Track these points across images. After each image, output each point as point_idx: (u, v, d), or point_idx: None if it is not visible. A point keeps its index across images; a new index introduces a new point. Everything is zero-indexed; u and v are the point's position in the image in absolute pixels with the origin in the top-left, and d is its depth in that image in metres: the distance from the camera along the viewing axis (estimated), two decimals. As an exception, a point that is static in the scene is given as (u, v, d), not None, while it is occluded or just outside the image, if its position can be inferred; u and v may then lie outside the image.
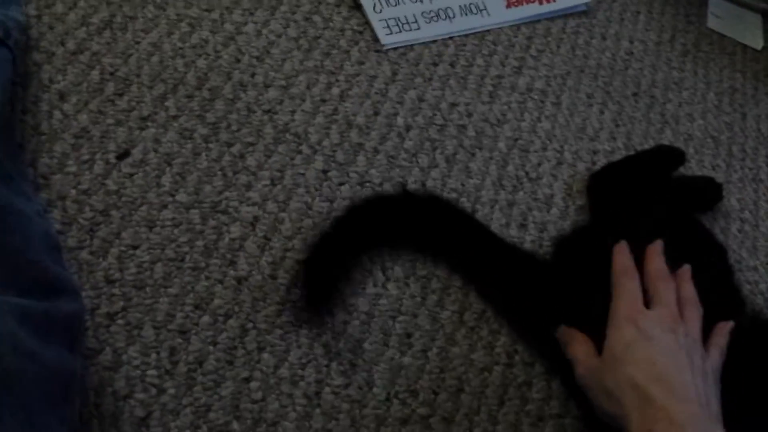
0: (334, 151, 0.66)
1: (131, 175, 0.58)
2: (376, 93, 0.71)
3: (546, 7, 0.84)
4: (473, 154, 0.70)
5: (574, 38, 0.84)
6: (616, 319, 0.56)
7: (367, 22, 0.75)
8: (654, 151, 0.76)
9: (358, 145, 0.67)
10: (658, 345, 0.53)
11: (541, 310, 0.59)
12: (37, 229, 0.48)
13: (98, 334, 0.51)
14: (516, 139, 0.73)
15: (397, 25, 0.76)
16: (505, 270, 0.62)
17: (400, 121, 0.70)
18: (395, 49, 0.75)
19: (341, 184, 0.64)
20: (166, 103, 0.63)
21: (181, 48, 0.66)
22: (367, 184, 0.65)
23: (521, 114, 0.75)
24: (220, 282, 0.56)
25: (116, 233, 0.55)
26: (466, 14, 0.80)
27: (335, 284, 0.57)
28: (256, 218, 0.59)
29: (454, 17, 0.79)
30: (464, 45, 0.78)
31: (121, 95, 0.62)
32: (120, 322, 0.52)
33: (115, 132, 0.60)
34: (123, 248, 0.55)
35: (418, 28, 0.77)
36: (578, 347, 0.56)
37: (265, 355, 0.54)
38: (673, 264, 0.61)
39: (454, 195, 0.67)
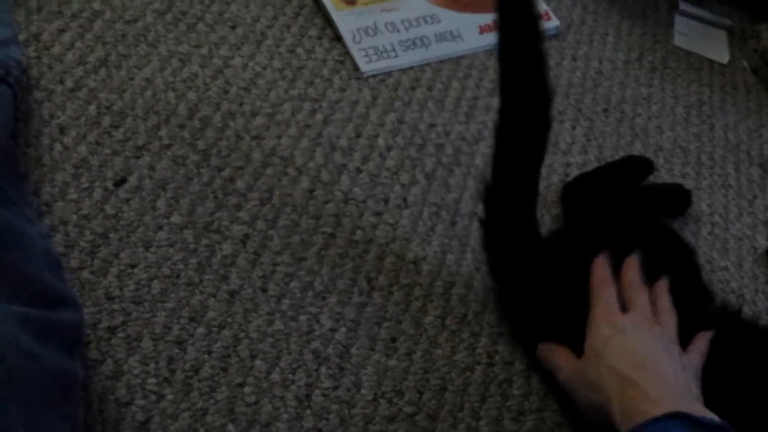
0: (319, 172, 0.70)
1: (128, 200, 0.62)
2: (358, 117, 0.75)
3: (517, 32, 0.89)
4: (452, 171, 0.74)
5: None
6: (596, 322, 0.58)
7: (348, 52, 0.80)
8: (623, 161, 0.80)
9: (341, 165, 0.71)
10: (636, 336, 0.56)
11: (519, 313, 0.62)
12: (38, 248, 0.52)
13: (100, 346, 0.54)
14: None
15: (376, 53, 0.81)
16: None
17: (381, 142, 0.74)
18: (375, 76, 0.79)
19: (326, 202, 0.68)
20: (160, 133, 0.67)
21: (172, 82, 0.71)
22: (351, 202, 0.69)
23: (496, 132, 0.79)
24: (214, 296, 0.59)
25: (115, 254, 0.59)
26: (442, 41, 0.85)
27: None
28: (246, 236, 0.63)
29: (430, 44, 0.84)
30: (440, 70, 0.83)
31: (117, 127, 0.66)
32: (120, 335, 0.55)
33: (112, 161, 0.64)
34: (122, 267, 0.58)
35: (396, 56, 0.82)
36: (559, 356, 0.59)
37: (258, 362, 0.57)
38: (645, 266, 0.65)
39: (434, 209, 0.71)
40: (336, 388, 0.57)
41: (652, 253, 0.67)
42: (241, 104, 0.72)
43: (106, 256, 0.59)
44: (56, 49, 0.69)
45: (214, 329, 0.57)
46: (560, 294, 0.63)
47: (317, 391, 0.57)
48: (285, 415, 0.55)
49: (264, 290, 0.61)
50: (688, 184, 0.81)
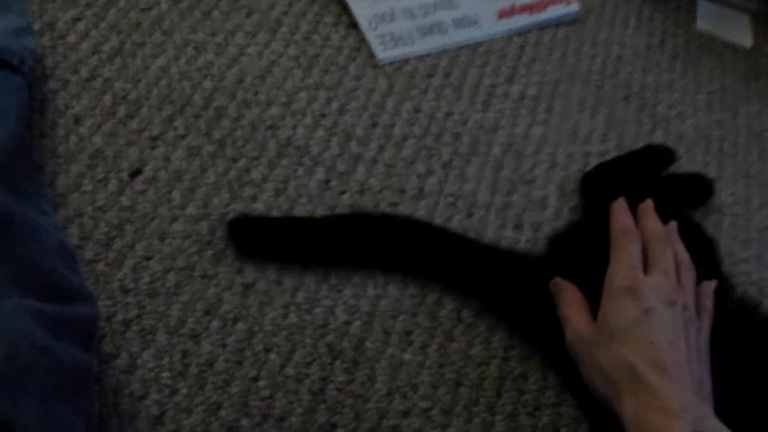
0: (335, 162, 0.69)
1: (143, 191, 0.62)
2: (374, 106, 0.74)
3: (536, 17, 0.87)
4: (469, 160, 0.73)
5: (565, 46, 0.87)
6: (614, 286, 0.55)
7: (364, 39, 0.79)
8: (644, 151, 0.78)
9: (357, 155, 0.70)
10: (657, 321, 0.53)
11: (534, 306, 0.62)
12: (53, 240, 0.52)
13: (115, 339, 0.54)
14: (510, 144, 0.76)
15: (393, 40, 0.80)
16: (492, 272, 0.64)
17: (397, 131, 0.73)
18: (391, 63, 0.78)
19: (342, 192, 0.67)
20: (175, 123, 0.67)
21: (187, 71, 0.70)
22: (367, 192, 0.68)
23: (514, 120, 0.78)
24: (229, 288, 0.59)
25: (130, 246, 0.59)
26: (459, 27, 0.83)
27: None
28: (261, 228, 0.63)
29: (447, 31, 0.83)
30: (458, 57, 0.82)
31: (132, 117, 0.66)
32: (135, 328, 0.55)
33: (127, 152, 0.64)
34: (137, 259, 0.58)
35: (413, 43, 0.80)
36: (571, 307, 0.56)
37: (272, 356, 0.57)
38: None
39: (450, 200, 0.70)
40: (350, 382, 0.57)
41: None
42: (256, 93, 0.71)
43: (121, 248, 0.59)
44: (71, 39, 0.69)
45: (229, 322, 0.57)
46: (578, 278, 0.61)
47: (331, 385, 0.57)
48: (299, 409, 0.55)
49: (279, 283, 0.60)
50: (710, 173, 0.80)
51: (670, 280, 0.55)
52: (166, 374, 0.54)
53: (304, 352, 0.58)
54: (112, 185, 0.62)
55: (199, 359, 0.55)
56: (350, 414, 0.56)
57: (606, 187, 0.74)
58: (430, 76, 0.79)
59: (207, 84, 0.70)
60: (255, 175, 0.66)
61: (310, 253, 0.62)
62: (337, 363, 0.58)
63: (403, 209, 0.68)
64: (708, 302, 0.57)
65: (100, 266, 0.57)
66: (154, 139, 0.65)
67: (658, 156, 0.78)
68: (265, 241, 0.62)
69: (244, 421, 0.53)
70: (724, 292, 0.67)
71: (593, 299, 0.57)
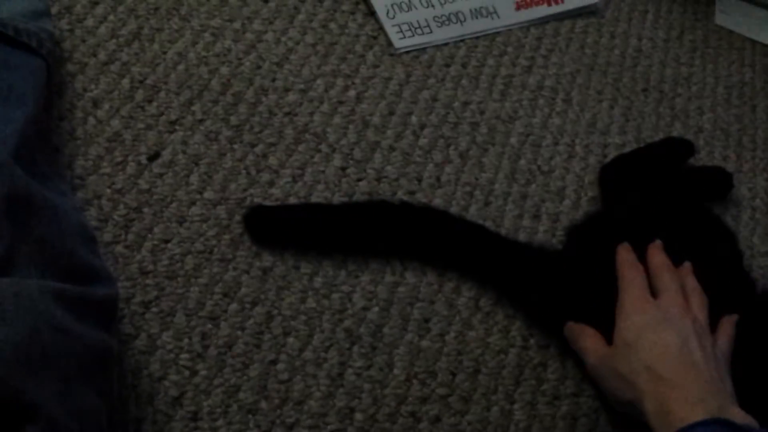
0: (352, 150, 0.69)
1: (161, 175, 0.62)
2: (391, 94, 0.74)
3: (555, 8, 0.87)
4: (486, 150, 0.73)
5: (583, 37, 0.87)
6: (625, 308, 0.57)
7: (381, 28, 0.79)
8: (663, 143, 0.78)
9: (374, 143, 0.70)
10: (669, 328, 0.55)
11: (553, 299, 0.61)
12: (72, 221, 0.52)
13: (134, 321, 0.54)
14: (528, 135, 0.75)
15: (410, 29, 0.79)
16: (511, 266, 0.64)
17: (414, 120, 0.73)
18: (408, 52, 0.78)
19: (359, 180, 0.67)
20: (193, 108, 0.66)
21: (205, 56, 0.70)
22: (384, 180, 0.68)
23: (532, 111, 0.78)
24: (247, 272, 0.59)
25: (149, 228, 0.59)
26: (477, 17, 0.83)
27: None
28: (279, 213, 0.63)
29: (465, 20, 0.82)
30: (475, 46, 0.81)
31: (150, 101, 0.66)
32: (154, 309, 0.55)
33: (145, 135, 0.64)
34: (155, 242, 0.58)
35: (431, 32, 0.80)
36: (587, 339, 0.58)
37: (291, 339, 0.56)
38: (684, 251, 0.63)
39: (467, 189, 0.69)
40: (368, 367, 0.57)
41: (693, 237, 0.66)
42: (273, 80, 0.71)
43: (139, 230, 0.58)
44: (89, 22, 0.69)
45: (247, 306, 0.57)
46: (595, 278, 0.62)
47: (350, 370, 0.56)
48: (317, 393, 0.55)
49: (297, 268, 0.60)
50: (729, 167, 0.79)
51: (678, 300, 0.57)
52: (185, 356, 0.54)
53: (322, 337, 0.57)
54: (131, 168, 0.61)
55: (218, 341, 0.55)
56: (369, 399, 0.55)
57: (624, 179, 0.73)
58: (447, 65, 0.79)
59: (224, 70, 0.70)
60: (272, 160, 0.66)
61: (326, 240, 0.62)
62: (355, 348, 0.57)
63: (420, 197, 0.67)
64: (728, 329, 0.58)
65: (119, 248, 0.57)
66: (172, 123, 0.65)
67: (677, 149, 0.77)
68: (282, 229, 0.62)
69: (263, 404, 0.53)
70: (745, 285, 0.66)
71: (608, 315, 0.58)
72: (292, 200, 0.64)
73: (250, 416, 0.53)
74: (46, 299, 0.45)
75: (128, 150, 0.62)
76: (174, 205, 0.60)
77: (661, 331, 0.55)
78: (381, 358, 0.57)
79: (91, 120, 0.63)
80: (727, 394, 0.52)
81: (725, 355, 0.56)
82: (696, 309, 0.57)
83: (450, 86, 0.77)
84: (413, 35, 0.79)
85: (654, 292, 0.58)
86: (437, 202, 0.68)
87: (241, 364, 0.54)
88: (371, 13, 0.80)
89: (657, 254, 0.61)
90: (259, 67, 0.71)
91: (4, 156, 0.50)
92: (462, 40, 0.81)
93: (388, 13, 0.79)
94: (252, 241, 0.60)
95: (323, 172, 0.66)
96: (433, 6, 0.82)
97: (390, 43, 0.78)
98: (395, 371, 0.57)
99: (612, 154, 0.76)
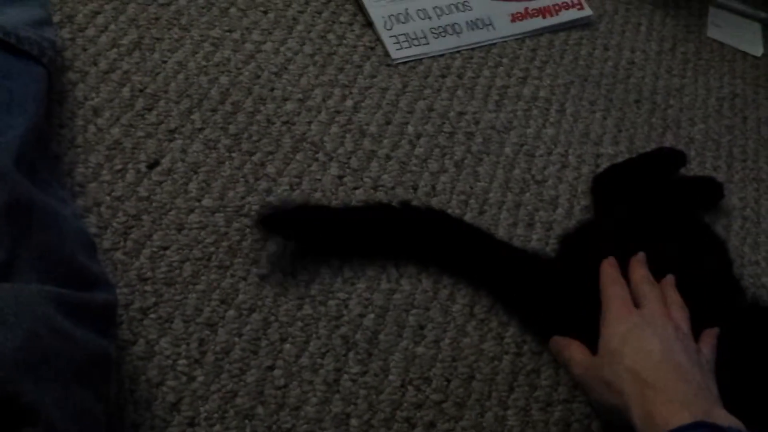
0: (349, 158, 0.70)
1: (161, 182, 0.63)
2: (388, 104, 0.75)
3: (549, 21, 0.88)
4: (481, 159, 0.74)
5: (577, 49, 0.88)
6: (608, 319, 0.58)
7: (379, 39, 0.80)
8: (655, 153, 0.79)
9: (371, 152, 0.71)
10: (652, 333, 0.55)
11: (543, 307, 0.62)
12: (72, 228, 0.52)
13: (132, 327, 0.55)
14: (522, 145, 0.77)
15: (407, 40, 0.81)
16: (505, 270, 0.65)
17: (410, 129, 0.74)
18: (405, 63, 0.79)
19: (356, 188, 0.68)
20: (192, 117, 0.67)
21: (205, 66, 0.71)
22: (380, 189, 0.69)
23: (527, 121, 0.79)
24: (244, 279, 0.60)
25: (148, 235, 0.59)
26: (473, 29, 0.84)
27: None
28: (276, 221, 0.63)
29: (461, 32, 0.83)
30: (471, 58, 0.82)
31: (150, 110, 0.67)
32: (152, 316, 0.56)
33: (145, 144, 0.64)
34: (154, 249, 0.59)
35: (427, 43, 0.81)
36: (572, 349, 0.59)
37: (287, 346, 0.57)
38: (675, 259, 0.64)
39: (462, 197, 0.70)
40: (364, 373, 0.58)
41: (683, 245, 0.67)
42: (272, 89, 0.72)
43: (138, 237, 0.59)
44: (90, 31, 0.70)
45: (245, 312, 0.58)
46: (582, 287, 0.62)
47: (345, 376, 0.57)
48: (314, 399, 0.55)
49: (293, 275, 0.61)
50: (720, 177, 0.81)
51: (659, 309, 0.58)
52: (182, 362, 0.54)
53: (318, 343, 0.58)
54: (130, 176, 0.62)
55: (216, 347, 0.55)
56: (364, 405, 0.56)
57: (617, 189, 0.74)
58: (443, 76, 0.80)
59: (224, 79, 0.71)
60: (270, 169, 0.67)
61: (330, 239, 0.63)
62: (351, 354, 0.58)
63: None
64: (711, 339, 0.59)
65: (118, 255, 0.58)
66: (172, 131, 0.66)
67: (669, 158, 0.78)
68: (291, 226, 0.62)
69: (260, 409, 0.54)
70: (735, 293, 0.67)
71: (592, 333, 0.59)
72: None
73: (247, 422, 0.53)
74: (46, 304, 0.45)
75: (128, 158, 0.63)
76: (173, 212, 0.61)
77: (645, 336, 0.55)
78: (376, 365, 0.58)
79: (92, 128, 0.64)
80: (712, 396, 0.53)
81: (708, 362, 0.56)
82: (677, 318, 0.58)
83: (446, 96, 0.78)
84: (410, 46, 0.80)
85: (636, 305, 0.59)
86: (433, 210, 0.69)
87: (238, 370, 0.55)
88: (369, 24, 0.81)
89: (638, 268, 0.62)
90: (257, 77, 0.72)
91: (5, 163, 0.51)
92: (458, 52, 0.82)
93: (385, 24, 0.81)
94: (260, 231, 0.61)
95: (320, 180, 0.67)
96: (429, 18, 0.83)
97: (387, 54, 0.79)
98: (390, 377, 0.58)
99: (605, 164, 0.77)
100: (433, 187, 0.70)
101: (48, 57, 0.62)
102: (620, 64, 0.89)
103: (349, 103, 0.74)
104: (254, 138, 0.68)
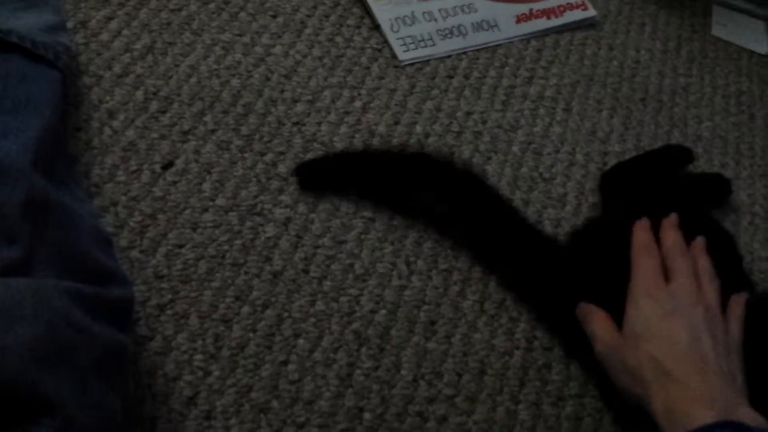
0: (359, 158, 0.71)
1: (175, 182, 0.64)
2: (396, 104, 0.76)
3: (554, 21, 0.89)
4: (489, 158, 0.75)
5: (582, 49, 0.89)
6: (635, 296, 0.56)
7: (386, 41, 0.81)
8: (663, 150, 0.79)
9: (380, 152, 0.72)
10: (680, 320, 0.54)
11: (560, 291, 0.63)
12: (88, 226, 0.53)
13: (149, 323, 0.56)
14: (529, 143, 0.77)
15: (414, 42, 0.82)
16: (526, 251, 0.65)
17: (418, 129, 0.75)
18: (412, 64, 0.80)
19: (366, 187, 0.69)
20: (205, 119, 0.69)
21: (216, 69, 0.72)
22: (390, 187, 0.69)
23: (533, 120, 0.80)
24: (258, 276, 0.60)
25: (163, 234, 0.60)
26: (478, 30, 0.85)
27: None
28: (288, 219, 0.64)
29: (467, 33, 0.84)
30: (477, 59, 0.83)
31: (163, 112, 0.68)
32: (169, 312, 0.57)
33: (159, 145, 0.66)
34: (170, 247, 0.60)
35: (434, 45, 0.82)
36: (597, 322, 0.58)
37: (301, 341, 0.58)
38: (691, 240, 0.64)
39: (472, 195, 0.71)
40: (377, 368, 0.58)
41: (693, 241, 0.67)
42: (282, 91, 0.73)
43: (154, 236, 0.60)
44: (104, 36, 0.71)
45: (259, 308, 0.59)
46: (601, 271, 0.62)
47: (358, 371, 0.58)
48: (327, 393, 0.56)
49: (306, 272, 0.62)
50: (728, 174, 0.81)
51: (690, 286, 0.57)
52: (199, 357, 0.55)
53: (331, 339, 0.59)
54: (145, 176, 0.63)
55: (231, 343, 0.56)
56: (377, 399, 0.57)
57: (625, 186, 0.75)
58: (450, 76, 0.81)
59: (235, 82, 0.72)
60: (282, 168, 0.68)
61: (365, 185, 0.66)
62: (364, 350, 0.59)
63: (426, 204, 0.69)
64: (738, 310, 0.58)
65: (135, 253, 0.59)
66: (185, 133, 0.67)
67: (677, 155, 0.79)
68: (328, 176, 0.67)
69: (274, 403, 0.55)
70: (745, 288, 0.67)
71: (616, 309, 0.58)
72: (301, 207, 0.66)
73: (261, 415, 0.54)
74: (63, 298, 0.46)
75: (143, 159, 0.64)
76: (187, 211, 0.62)
77: (671, 322, 0.54)
78: (389, 360, 0.59)
79: (107, 130, 0.65)
80: (737, 390, 0.52)
81: (736, 342, 0.55)
82: (708, 292, 0.57)
83: (453, 97, 0.79)
84: (417, 48, 0.81)
85: (666, 274, 0.58)
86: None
87: (253, 365, 0.56)
88: (376, 26, 0.82)
89: (671, 233, 0.60)
90: (268, 79, 0.73)
91: (22, 163, 0.52)
92: (464, 53, 0.83)
93: (392, 26, 0.82)
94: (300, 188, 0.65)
95: (331, 180, 0.68)
96: (435, 20, 0.84)
97: (394, 56, 0.80)
98: (402, 372, 0.59)
99: (612, 161, 0.78)
100: (443, 186, 0.71)
101: (63, 61, 0.63)
102: (625, 63, 0.89)
103: (357, 104, 0.75)
104: (266, 139, 0.69)
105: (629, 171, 0.76)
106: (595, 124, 0.81)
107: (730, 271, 0.68)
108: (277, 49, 0.76)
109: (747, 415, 0.49)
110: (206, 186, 0.64)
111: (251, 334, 0.57)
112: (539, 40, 0.88)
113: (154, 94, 0.68)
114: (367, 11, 0.83)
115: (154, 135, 0.66)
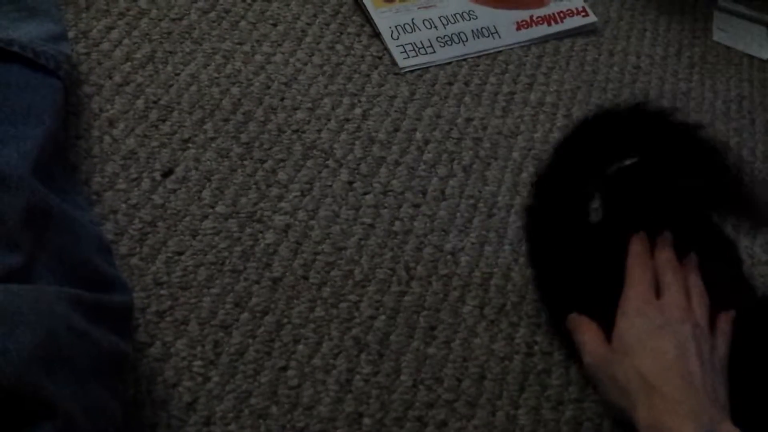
0: (358, 164, 0.71)
1: (175, 190, 0.64)
2: (396, 111, 0.76)
3: (554, 28, 0.89)
4: (489, 164, 0.75)
5: (583, 55, 0.89)
6: (626, 309, 0.58)
7: (386, 48, 0.81)
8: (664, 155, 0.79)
9: (380, 158, 0.72)
10: (668, 335, 0.55)
11: (558, 295, 0.63)
12: (89, 233, 0.54)
13: (149, 329, 0.56)
14: (529, 149, 0.77)
15: (414, 49, 0.82)
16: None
17: (418, 135, 0.75)
18: (412, 71, 0.80)
19: (365, 193, 0.69)
20: (205, 127, 0.69)
21: (216, 77, 0.73)
22: (390, 193, 0.70)
23: (534, 126, 0.80)
24: (257, 282, 0.61)
25: (163, 241, 0.61)
26: (478, 37, 0.86)
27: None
28: (288, 226, 0.65)
29: (467, 40, 0.85)
30: (477, 65, 0.83)
31: (164, 121, 0.68)
32: (168, 319, 0.57)
33: (159, 153, 0.66)
34: (169, 254, 0.60)
35: (434, 52, 0.83)
36: (586, 333, 0.59)
37: (300, 347, 0.58)
38: (685, 256, 0.65)
39: (471, 201, 0.71)
40: (376, 373, 0.58)
41: (693, 244, 0.67)
42: (282, 99, 0.73)
43: (154, 243, 0.60)
44: (104, 46, 0.72)
45: (258, 314, 0.59)
46: (595, 273, 0.62)
47: (358, 377, 0.58)
48: (326, 399, 0.56)
49: (305, 278, 0.62)
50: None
51: (680, 302, 0.58)
52: (198, 363, 0.55)
53: (330, 344, 0.59)
54: (145, 184, 0.64)
55: (230, 349, 0.56)
56: (376, 404, 0.57)
57: (626, 189, 0.74)
58: (450, 83, 0.81)
59: (235, 90, 0.73)
60: (281, 176, 0.68)
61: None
62: (363, 355, 0.59)
63: (425, 210, 0.69)
64: (726, 328, 0.58)
65: (134, 260, 0.59)
66: (185, 141, 0.68)
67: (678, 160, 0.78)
68: None
69: (274, 409, 0.55)
70: (746, 293, 0.67)
71: (607, 320, 0.59)
72: (300, 213, 0.66)
73: (261, 421, 0.54)
74: (64, 304, 0.46)
75: (143, 167, 0.65)
76: (187, 219, 0.63)
77: (660, 337, 0.55)
78: (388, 365, 0.59)
79: (107, 139, 0.66)
80: (721, 407, 0.53)
81: (722, 361, 0.56)
82: (697, 309, 0.58)
83: (453, 103, 0.79)
84: (417, 55, 0.82)
85: (658, 289, 0.59)
86: (442, 214, 0.70)
87: (253, 371, 0.56)
88: (376, 34, 0.82)
89: (664, 250, 0.61)
90: (268, 87, 0.74)
91: (23, 171, 0.52)
92: (464, 59, 0.84)
93: (392, 34, 0.82)
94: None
95: (331, 186, 0.68)
96: (435, 27, 0.85)
97: (394, 63, 0.80)
98: (402, 377, 0.59)
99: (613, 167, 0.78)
100: (442, 192, 0.71)
101: (64, 70, 0.64)
102: (626, 69, 0.90)
103: (357, 111, 0.75)
104: (265, 146, 0.69)
105: (630, 174, 0.76)
106: (595, 129, 0.81)
107: (730, 275, 0.68)
108: (278, 57, 0.77)
109: (729, 430, 0.49)
110: (206, 193, 0.64)
111: (251, 340, 0.57)
112: (539, 47, 0.88)
113: (155, 102, 0.69)
114: (368, 19, 0.83)
115: (154, 143, 0.66)
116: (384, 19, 0.83)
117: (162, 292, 0.58)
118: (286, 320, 0.59)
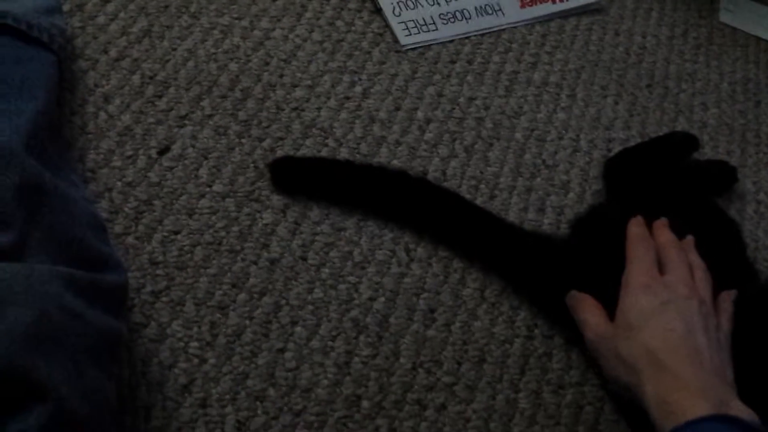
0: (359, 144, 0.70)
1: (171, 168, 0.63)
2: (397, 90, 0.75)
3: (559, 6, 0.88)
4: (491, 144, 0.74)
5: (588, 35, 0.87)
6: (630, 286, 0.56)
7: (387, 25, 0.80)
8: (668, 137, 0.78)
9: (380, 138, 0.71)
10: (675, 312, 0.54)
11: (556, 282, 0.62)
12: (83, 211, 0.53)
13: (144, 310, 0.55)
14: (532, 130, 0.76)
15: (416, 26, 0.80)
16: (515, 249, 0.64)
17: (420, 115, 0.74)
18: (414, 49, 0.79)
19: (366, 173, 0.68)
20: (202, 104, 0.68)
21: (214, 53, 0.71)
22: (391, 173, 0.68)
23: (537, 106, 0.78)
24: (255, 263, 0.60)
25: (159, 220, 0.60)
26: (482, 15, 0.84)
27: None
28: (286, 205, 0.64)
29: (470, 18, 0.83)
30: (480, 43, 0.82)
31: (160, 97, 0.67)
32: (164, 299, 0.56)
33: (155, 130, 0.65)
34: (165, 234, 0.59)
35: (436, 29, 0.81)
36: (588, 311, 0.57)
37: (298, 329, 0.57)
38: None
39: (473, 182, 0.70)
40: (375, 356, 0.58)
41: (697, 228, 0.66)
42: (281, 76, 0.72)
43: (150, 222, 0.59)
44: (100, 20, 0.70)
45: (256, 296, 0.58)
46: (598, 260, 0.62)
47: (356, 359, 0.57)
48: (325, 381, 0.55)
49: (304, 259, 0.61)
50: (733, 161, 0.80)
51: (685, 278, 0.57)
52: (194, 344, 0.54)
53: (329, 326, 0.58)
54: (141, 162, 0.62)
55: (227, 330, 0.56)
56: (375, 387, 0.56)
57: (629, 172, 0.74)
58: (452, 62, 0.80)
59: (233, 66, 0.71)
60: (280, 154, 0.67)
61: (343, 196, 0.64)
62: (362, 337, 0.58)
63: (427, 191, 0.68)
64: (728, 306, 0.58)
65: (130, 239, 0.58)
66: (182, 118, 0.66)
67: (682, 142, 0.77)
68: (304, 180, 0.64)
69: (271, 391, 0.54)
70: (749, 276, 0.67)
71: (609, 300, 0.58)
72: (299, 195, 0.65)
73: (258, 403, 0.54)
74: (57, 283, 0.46)
75: (139, 144, 0.63)
76: (184, 197, 0.61)
77: (666, 314, 0.54)
78: (387, 347, 0.58)
79: (103, 115, 0.64)
80: (728, 384, 0.52)
81: (727, 337, 0.55)
82: (701, 288, 0.57)
83: (455, 82, 0.78)
84: (419, 32, 0.80)
85: (661, 268, 0.58)
86: (443, 195, 0.68)
87: (250, 353, 0.55)
88: (377, 10, 0.81)
89: (664, 232, 0.61)
90: (267, 64, 0.72)
91: (16, 146, 0.51)
92: (467, 37, 0.82)
93: (394, 10, 0.80)
94: (275, 190, 0.63)
95: (330, 166, 0.67)
96: (438, 3, 0.83)
97: (396, 40, 0.79)
98: (401, 360, 0.58)
99: (616, 148, 0.77)
100: (444, 173, 0.70)
101: (58, 44, 0.62)
102: (631, 49, 0.88)
103: (358, 89, 0.74)
104: (264, 124, 0.68)
105: (634, 158, 0.75)
106: (599, 110, 0.80)
107: (734, 259, 0.67)
108: (277, 33, 0.75)
109: (739, 408, 0.49)
110: (203, 172, 0.63)
111: (248, 322, 0.57)
112: (544, 25, 0.86)
113: (151, 78, 0.68)
114: (369, -5, 0.81)
115: (151, 120, 0.65)
116: (386, -5, 0.81)
117: (158, 271, 0.57)
118: (284, 301, 0.58)
